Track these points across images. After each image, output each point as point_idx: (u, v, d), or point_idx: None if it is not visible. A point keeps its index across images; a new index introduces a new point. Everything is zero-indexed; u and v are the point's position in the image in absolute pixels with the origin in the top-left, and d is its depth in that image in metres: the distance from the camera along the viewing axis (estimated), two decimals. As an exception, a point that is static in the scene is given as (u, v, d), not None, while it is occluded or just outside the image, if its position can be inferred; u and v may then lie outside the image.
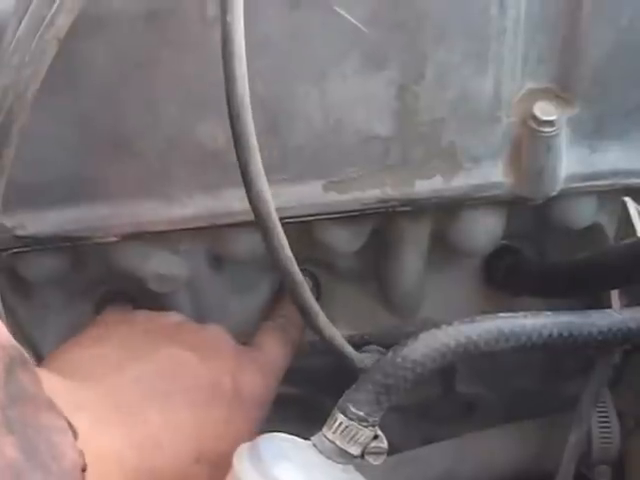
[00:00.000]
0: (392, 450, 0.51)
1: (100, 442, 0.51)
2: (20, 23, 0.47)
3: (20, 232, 0.57)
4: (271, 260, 0.49)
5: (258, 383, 0.61)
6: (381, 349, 0.62)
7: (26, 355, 0.39)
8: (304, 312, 0.51)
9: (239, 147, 0.47)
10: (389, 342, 0.52)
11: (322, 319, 0.51)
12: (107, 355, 0.58)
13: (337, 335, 0.53)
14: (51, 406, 0.40)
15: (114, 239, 0.59)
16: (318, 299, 0.51)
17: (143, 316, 0.64)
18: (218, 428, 0.58)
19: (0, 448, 0.35)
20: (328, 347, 0.53)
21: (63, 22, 0.46)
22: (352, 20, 0.53)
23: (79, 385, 0.54)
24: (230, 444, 0.51)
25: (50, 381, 0.43)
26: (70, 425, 0.41)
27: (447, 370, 0.76)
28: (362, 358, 0.54)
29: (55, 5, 0.46)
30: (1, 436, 0.35)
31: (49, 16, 0.46)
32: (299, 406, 0.75)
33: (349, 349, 0.53)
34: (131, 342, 0.59)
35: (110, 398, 0.54)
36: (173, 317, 0.64)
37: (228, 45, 0.46)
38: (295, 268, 0.49)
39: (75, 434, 0.41)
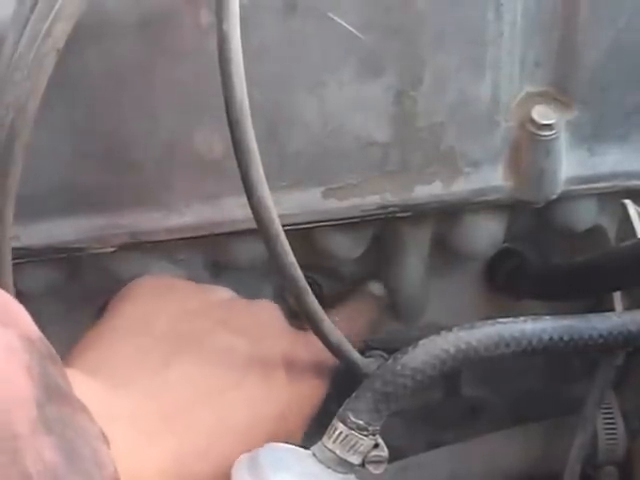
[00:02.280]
0: (397, 455, 0.51)
1: (143, 457, 0.47)
2: (18, 34, 0.46)
3: (14, 244, 0.56)
4: (274, 266, 0.49)
5: (312, 370, 0.57)
6: (384, 355, 0.62)
7: (54, 351, 0.35)
8: (309, 318, 0.51)
9: (239, 153, 0.47)
10: (393, 347, 0.52)
11: (327, 325, 0.51)
12: (149, 348, 0.53)
13: (343, 340, 0.52)
14: (84, 408, 0.35)
15: (111, 249, 0.59)
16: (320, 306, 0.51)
17: (191, 289, 0.59)
18: (271, 426, 0.54)
19: (38, 450, 0.30)
20: (334, 353, 0.53)
21: (60, 32, 0.46)
22: (348, 27, 0.53)
23: (115, 392, 0.49)
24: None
25: (79, 385, 0.37)
26: (103, 433, 0.36)
27: (451, 374, 0.76)
28: (368, 363, 0.54)
29: (51, 15, 0.45)
30: (39, 436, 0.30)
31: (45, 27, 0.45)
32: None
33: (355, 354, 0.53)
34: (178, 326, 0.55)
35: (154, 403, 0.49)
36: (223, 293, 0.60)
37: (225, 51, 0.46)
38: (299, 274, 0.49)
39: (108, 444, 0.36)
